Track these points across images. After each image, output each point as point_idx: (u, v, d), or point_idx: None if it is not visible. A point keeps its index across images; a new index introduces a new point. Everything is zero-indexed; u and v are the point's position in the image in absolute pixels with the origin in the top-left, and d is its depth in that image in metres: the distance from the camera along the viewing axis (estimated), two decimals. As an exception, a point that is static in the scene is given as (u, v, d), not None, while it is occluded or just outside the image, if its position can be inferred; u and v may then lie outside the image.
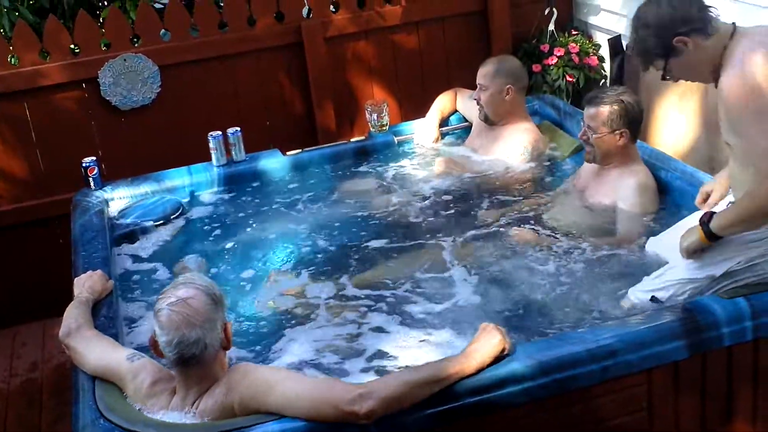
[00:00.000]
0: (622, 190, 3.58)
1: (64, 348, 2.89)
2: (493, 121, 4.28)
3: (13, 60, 4.73)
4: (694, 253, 2.88)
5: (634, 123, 3.57)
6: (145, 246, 3.88)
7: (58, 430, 4.04)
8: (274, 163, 4.42)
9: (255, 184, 4.33)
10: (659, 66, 2.82)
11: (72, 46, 4.79)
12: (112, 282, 3.29)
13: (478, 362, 2.46)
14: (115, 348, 2.76)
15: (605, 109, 3.54)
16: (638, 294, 2.99)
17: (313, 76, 5.10)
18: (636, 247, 3.37)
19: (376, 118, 4.54)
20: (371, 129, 4.58)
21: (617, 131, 3.54)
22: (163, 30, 4.91)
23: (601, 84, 5.23)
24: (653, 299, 2.92)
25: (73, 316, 2.94)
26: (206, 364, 2.45)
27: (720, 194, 3.12)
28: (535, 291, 3.24)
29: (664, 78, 2.86)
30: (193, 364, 2.42)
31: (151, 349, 2.50)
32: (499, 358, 2.48)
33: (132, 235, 3.92)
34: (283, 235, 3.88)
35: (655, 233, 3.39)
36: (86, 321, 2.94)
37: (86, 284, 3.18)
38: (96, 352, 2.74)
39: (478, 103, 4.29)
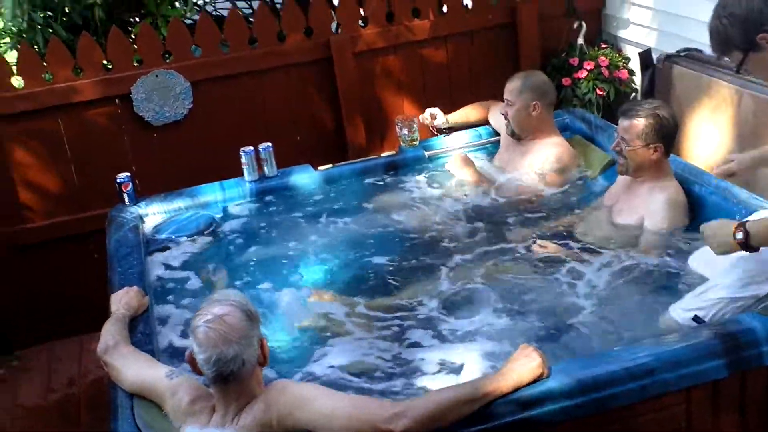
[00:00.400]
0: (651, 205, 3.56)
1: (102, 364, 2.91)
2: (520, 136, 4.27)
3: (47, 76, 4.79)
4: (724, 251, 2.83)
5: (669, 137, 3.55)
6: (178, 261, 3.89)
7: (95, 445, 4.09)
8: (306, 178, 4.44)
9: (287, 199, 4.35)
10: (736, 58, 2.74)
11: (105, 62, 4.84)
12: (148, 298, 3.31)
13: (515, 381, 2.47)
14: (152, 365, 2.78)
15: (640, 122, 3.52)
16: (680, 312, 2.96)
17: (343, 91, 5.13)
18: (673, 263, 3.35)
19: (406, 132, 4.55)
20: (401, 144, 4.59)
21: (651, 145, 3.52)
22: (194, 46, 4.96)
23: (631, 97, 5.22)
24: (696, 318, 2.88)
25: (111, 332, 2.97)
26: (244, 381, 2.46)
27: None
28: (568, 308, 3.23)
29: (737, 71, 2.82)
30: (231, 380, 2.44)
31: (189, 366, 2.52)
32: (535, 380, 2.48)
33: (166, 250, 3.94)
34: (314, 250, 3.89)
35: (684, 249, 3.37)
36: (123, 338, 2.97)
37: (123, 300, 3.21)
38: (134, 368, 2.77)
39: (505, 119, 4.29)
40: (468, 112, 4.73)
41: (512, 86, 4.27)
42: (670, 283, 3.24)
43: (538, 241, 3.69)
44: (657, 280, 3.30)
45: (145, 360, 2.83)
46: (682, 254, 3.37)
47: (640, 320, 3.08)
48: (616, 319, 3.12)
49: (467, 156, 4.40)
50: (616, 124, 3.74)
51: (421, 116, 4.69)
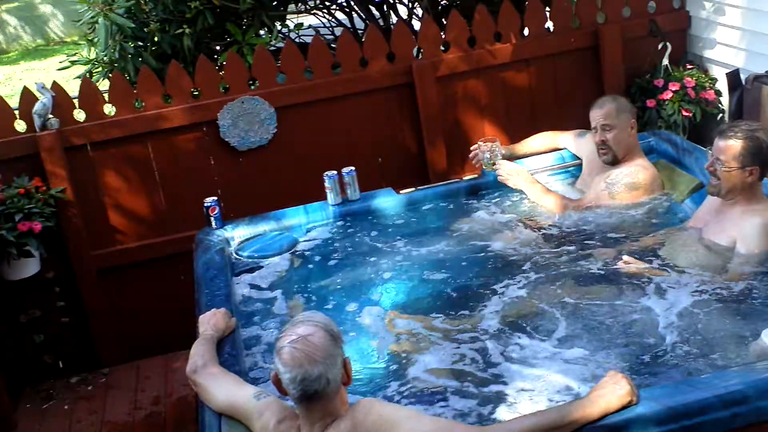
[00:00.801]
0: (745, 229, 3.46)
1: (191, 384, 2.98)
2: (619, 161, 4.20)
3: (137, 104, 4.94)
4: None
5: (766, 162, 3.46)
6: (263, 282, 3.96)
7: (181, 463, 4.17)
8: (388, 201, 4.48)
9: (369, 222, 4.39)
10: None
11: (192, 89, 4.98)
12: (235, 320, 3.37)
13: (602, 409, 2.43)
14: (240, 385, 2.83)
15: (738, 144, 3.44)
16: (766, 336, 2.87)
17: (425, 115, 5.16)
18: (761, 288, 3.26)
19: (488, 156, 4.53)
20: (483, 167, 4.57)
21: (747, 168, 3.44)
22: (278, 73, 5.06)
23: (718, 118, 5.12)
24: None
25: (199, 353, 3.04)
26: (329, 400, 2.49)
27: None
28: (654, 331, 3.16)
29: None
30: (316, 399, 2.47)
31: (275, 386, 2.55)
32: (623, 407, 2.44)
33: (251, 271, 4.02)
34: (397, 273, 3.91)
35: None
36: (211, 358, 3.03)
37: (211, 322, 3.28)
38: (222, 389, 2.82)
39: (603, 146, 4.19)
40: (531, 144, 4.70)
41: (607, 110, 4.19)
42: (761, 310, 3.15)
43: (624, 257, 3.63)
44: (746, 305, 3.22)
45: (233, 380, 2.88)
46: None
47: (728, 346, 3.00)
48: (704, 345, 3.04)
49: (514, 167, 4.40)
50: (703, 147, 3.67)
51: (474, 151, 4.55)
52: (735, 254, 3.46)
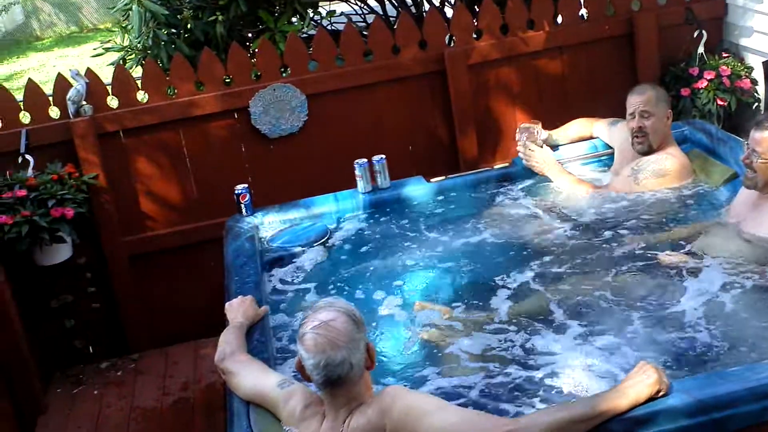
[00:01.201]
0: None
1: (220, 372, 2.99)
2: (654, 150, 4.15)
3: (170, 91, 4.96)
4: None
5: None
6: (293, 270, 3.96)
7: (209, 450, 4.19)
8: (419, 189, 4.46)
9: (399, 210, 4.38)
10: None
11: (225, 77, 4.99)
12: (265, 308, 3.38)
13: (632, 400, 2.41)
14: (266, 374, 2.84)
15: None
16: None
17: (456, 103, 5.13)
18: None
19: (525, 138, 4.46)
20: (518, 149, 4.49)
21: None
22: (310, 60, 5.05)
23: (754, 108, 5.05)
24: None
25: (228, 340, 3.05)
26: (353, 384, 2.49)
27: None
28: (690, 323, 3.12)
29: None
30: (340, 384, 2.47)
31: (299, 372, 2.56)
32: (652, 398, 2.42)
33: (281, 260, 4.02)
34: (428, 262, 3.90)
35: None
36: (240, 345, 3.04)
37: (240, 309, 3.29)
38: (250, 378, 2.84)
39: (640, 133, 4.13)
40: (569, 130, 4.66)
41: (647, 97, 4.14)
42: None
43: (664, 254, 3.58)
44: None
45: (260, 368, 2.89)
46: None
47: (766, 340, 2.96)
48: (741, 338, 3.00)
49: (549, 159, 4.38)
50: (738, 136, 3.61)
51: (518, 133, 4.52)
52: None
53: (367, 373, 2.56)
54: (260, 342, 3.17)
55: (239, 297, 3.40)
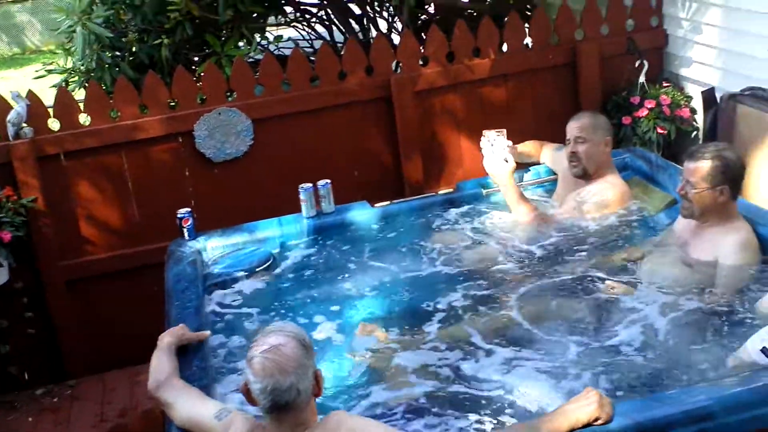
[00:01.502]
0: (724, 248, 3.45)
1: (155, 401, 2.93)
2: (589, 175, 4.20)
3: (113, 114, 4.90)
4: None
5: (735, 180, 3.47)
6: (235, 295, 3.92)
7: (145, 477, 4.11)
8: (363, 214, 4.45)
9: (344, 235, 4.36)
10: None
11: (169, 100, 4.94)
12: (206, 333, 3.30)
13: (572, 423, 2.42)
14: (203, 403, 2.78)
15: (705, 165, 3.45)
16: (750, 345, 2.82)
17: (402, 129, 5.16)
18: (739, 304, 3.26)
19: (488, 144, 4.33)
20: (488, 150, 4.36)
21: (718, 187, 3.44)
22: (256, 85, 5.04)
23: (693, 136, 5.15)
24: (765, 350, 2.74)
25: (159, 366, 2.98)
26: (299, 410, 2.46)
27: None
28: (633, 346, 3.15)
29: None
30: (286, 410, 2.44)
31: (244, 396, 2.52)
32: (590, 425, 2.43)
33: (223, 285, 3.97)
34: (371, 287, 3.88)
35: (756, 291, 3.28)
36: (172, 369, 2.98)
37: (168, 331, 3.21)
38: (186, 407, 2.78)
39: (574, 158, 4.20)
40: (525, 149, 4.69)
41: (583, 123, 4.21)
42: (742, 326, 3.13)
43: (608, 282, 3.61)
44: (728, 321, 3.20)
45: (196, 397, 2.82)
46: (755, 296, 3.28)
47: (708, 360, 2.98)
48: (679, 361, 3.03)
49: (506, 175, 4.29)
50: (678, 164, 3.67)
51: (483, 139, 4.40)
52: (718, 274, 3.44)
53: (313, 400, 2.53)
54: (200, 368, 3.11)
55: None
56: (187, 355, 3.17)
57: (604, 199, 4.15)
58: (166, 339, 3.15)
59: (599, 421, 2.44)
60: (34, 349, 4.94)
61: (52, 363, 5.01)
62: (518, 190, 4.30)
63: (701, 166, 3.47)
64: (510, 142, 4.41)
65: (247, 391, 2.48)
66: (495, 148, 4.30)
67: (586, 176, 4.21)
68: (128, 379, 4.93)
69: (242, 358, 3.29)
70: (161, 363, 3.00)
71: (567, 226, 4.15)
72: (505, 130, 4.39)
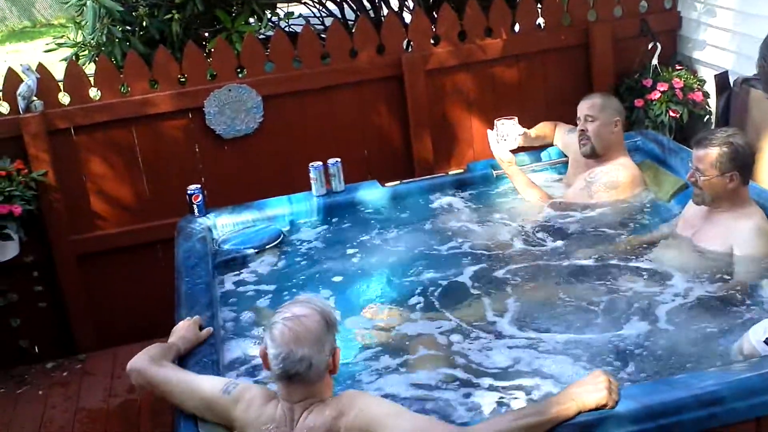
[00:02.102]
0: (738, 234, 3.44)
1: (132, 379, 2.91)
2: (598, 154, 4.19)
3: (123, 89, 4.90)
4: None
5: (745, 165, 3.45)
6: (244, 273, 3.93)
7: (154, 451, 4.12)
8: (373, 193, 4.45)
9: (353, 214, 4.36)
10: None
11: (180, 76, 4.93)
12: (208, 330, 3.20)
13: (579, 407, 2.42)
14: (207, 379, 2.75)
15: (714, 152, 3.44)
16: (752, 334, 2.84)
17: (412, 108, 5.14)
18: (754, 292, 3.24)
19: (498, 133, 4.35)
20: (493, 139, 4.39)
21: (727, 174, 3.43)
22: (267, 61, 5.02)
23: (705, 120, 5.12)
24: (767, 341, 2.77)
25: (151, 352, 2.92)
26: (310, 383, 2.48)
27: None
28: (642, 331, 3.15)
29: None
30: (296, 381, 2.46)
31: (261, 360, 2.55)
32: (597, 409, 2.43)
33: (233, 262, 3.98)
34: (379, 266, 3.89)
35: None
36: (161, 357, 2.90)
37: (180, 332, 3.13)
38: (185, 386, 2.75)
39: (583, 136, 4.20)
40: (539, 131, 4.67)
41: (593, 102, 4.21)
42: (756, 311, 3.13)
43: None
44: (741, 308, 3.19)
45: (195, 375, 2.80)
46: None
47: (719, 347, 2.98)
48: (689, 346, 3.02)
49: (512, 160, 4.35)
50: (689, 147, 3.66)
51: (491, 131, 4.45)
52: (735, 261, 3.42)
53: (329, 377, 2.54)
54: (209, 344, 3.10)
55: (186, 319, 3.23)
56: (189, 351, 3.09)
57: (613, 180, 4.14)
58: (172, 340, 3.07)
59: (607, 407, 2.44)
60: (44, 323, 4.96)
61: (62, 337, 5.03)
62: (524, 177, 4.30)
63: (709, 153, 3.45)
64: (523, 129, 4.41)
65: (264, 356, 2.51)
66: (507, 136, 4.32)
67: (594, 155, 4.20)
68: (139, 354, 4.95)
69: (250, 334, 3.37)
70: (155, 350, 2.94)
71: (577, 210, 4.14)
72: (516, 118, 4.39)
